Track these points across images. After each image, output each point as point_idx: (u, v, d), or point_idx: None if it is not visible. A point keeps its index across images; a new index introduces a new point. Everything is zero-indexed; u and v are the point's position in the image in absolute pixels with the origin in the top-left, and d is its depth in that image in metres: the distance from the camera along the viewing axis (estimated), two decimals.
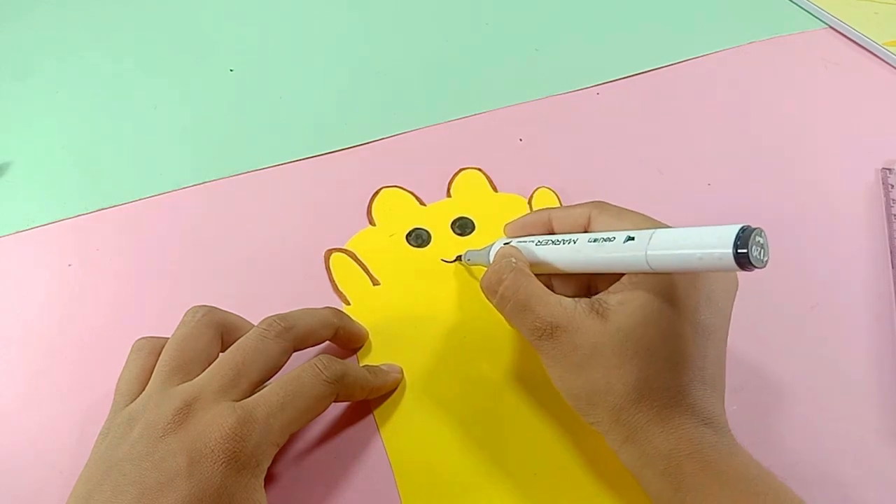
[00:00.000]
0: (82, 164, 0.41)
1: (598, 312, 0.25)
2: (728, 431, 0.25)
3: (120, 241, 0.37)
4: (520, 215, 0.32)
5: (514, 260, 0.28)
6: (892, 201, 0.39)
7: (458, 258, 0.36)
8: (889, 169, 0.41)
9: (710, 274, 0.26)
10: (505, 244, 0.31)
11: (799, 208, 0.40)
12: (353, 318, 0.32)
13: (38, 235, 0.37)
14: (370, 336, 0.33)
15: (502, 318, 0.29)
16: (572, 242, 0.27)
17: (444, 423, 0.30)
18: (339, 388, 0.27)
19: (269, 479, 0.28)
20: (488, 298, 0.29)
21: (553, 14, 0.53)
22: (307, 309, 0.30)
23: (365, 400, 0.30)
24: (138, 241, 0.37)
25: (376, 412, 0.30)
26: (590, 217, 0.28)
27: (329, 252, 0.36)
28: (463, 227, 0.38)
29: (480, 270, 0.35)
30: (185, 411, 0.24)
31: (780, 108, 0.46)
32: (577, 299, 0.26)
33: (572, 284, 0.29)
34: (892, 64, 0.49)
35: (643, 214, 0.28)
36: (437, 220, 0.38)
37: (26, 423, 0.30)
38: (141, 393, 0.27)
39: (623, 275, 0.26)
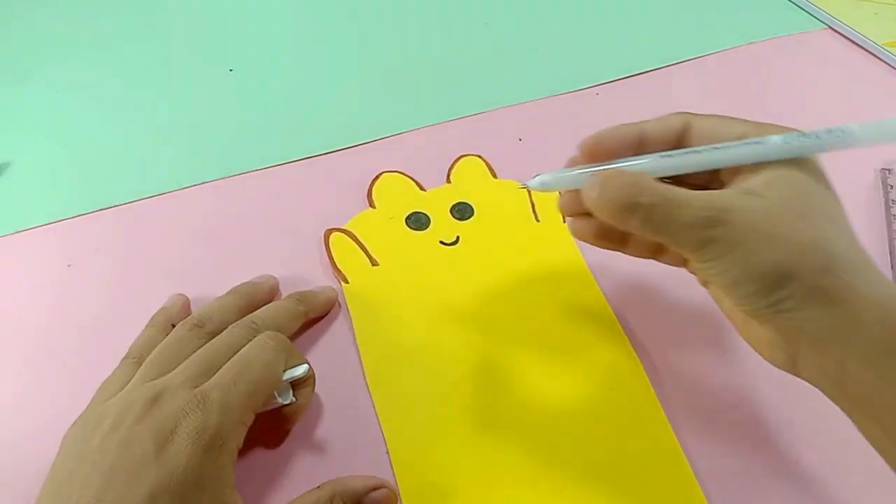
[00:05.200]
0: (82, 164, 0.41)
1: (749, 194, 0.23)
2: None
3: (120, 241, 0.37)
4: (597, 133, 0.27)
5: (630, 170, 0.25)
6: (891, 201, 0.39)
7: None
8: (889, 169, 0.41)
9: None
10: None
11: None
12: (314, 290, 0.33)
13: (38, 235, 0.37)
14: (368, 315, 0.33)
15: (498, 300, 0.32)
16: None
17: (441, 404, 0.31)
18: (284, 353, 0.28)
19: (267, 478, 0.28)
20: (624, 218, 0.24)
21: (553, 14, 0.53)
22: (273, 304, 0.32)
23: (361, 377, 0.31)
24: (138, 241, 0.37)
25: (373, 390, 0.31)
26: (687, 121, 0.26)
27: (329, 231, 0.37)
28: (462, 211, 0.38)
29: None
30: (154, 400, 0.25)
31: (780, 108, 0.46)
32: (715, 191, 0.24)
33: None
34: (892, 64, 0.49)
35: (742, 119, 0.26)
36: (436, 205, 0.38)
37: (25, 423, 0.30)
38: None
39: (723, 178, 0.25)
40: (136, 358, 0.29)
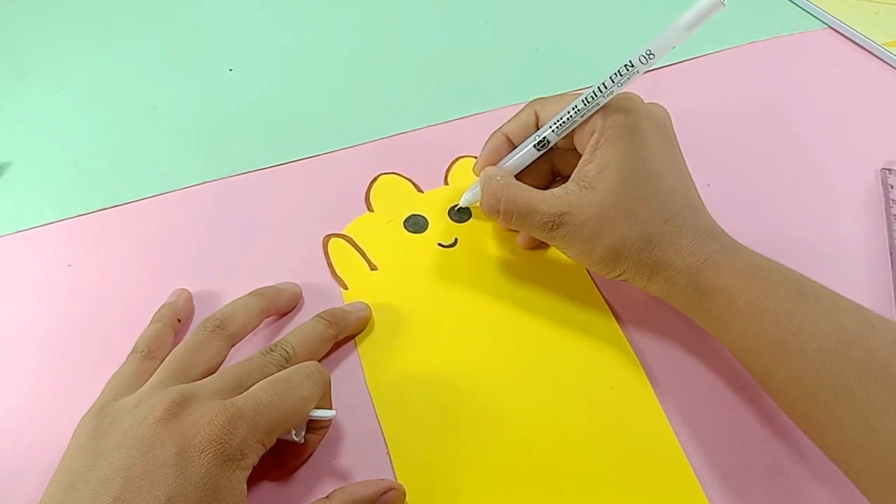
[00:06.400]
0: (82, 164, 0.41)
1: (586, 188, 0.30)
2: (727, 236, 0.29)
3: (120, 241, 0.37)
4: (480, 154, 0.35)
5: (499, 177, 0.32)
6: (892, 201, 0.39)
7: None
8: (889, 169, 0.41)
9: (647, 115, 0.31)
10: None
11: (799, 208, 0.40)
12: (346, 309, 0.33)
13: (38, 235, 0.37)
14: (368, 321, 0.33)
15: (498, 301, 0.33)
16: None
17: (441, 404, 0.31)
18: (322, 391, 0.27)
19: (264, 475, 0.28)
20: (493, 219, 0.33)
21: (553, 14, 0.53)
22: (303, 328, 0.31)
23: (362, 382, 0.31)
24: (138, 241, 0.37)
25: (374, 394, 0.31)
26: (536, 112, 0.32)
27: (327, 237, 0.37)
28: (461, 214, 0.38)
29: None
30: (180, 404, 0.24)
31: (780, 109, 0.46)
32: (563, 186, 0.30)
33: (540, 178, 0.34)
34: (892, 64, 0.49)
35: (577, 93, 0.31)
36: (434, 207, 0.38)
37: (25, 423, 0.30)
38: (132, 392, 0.27)
39: (583, 152, 0.30)
40: (143, 351, 0.29)
